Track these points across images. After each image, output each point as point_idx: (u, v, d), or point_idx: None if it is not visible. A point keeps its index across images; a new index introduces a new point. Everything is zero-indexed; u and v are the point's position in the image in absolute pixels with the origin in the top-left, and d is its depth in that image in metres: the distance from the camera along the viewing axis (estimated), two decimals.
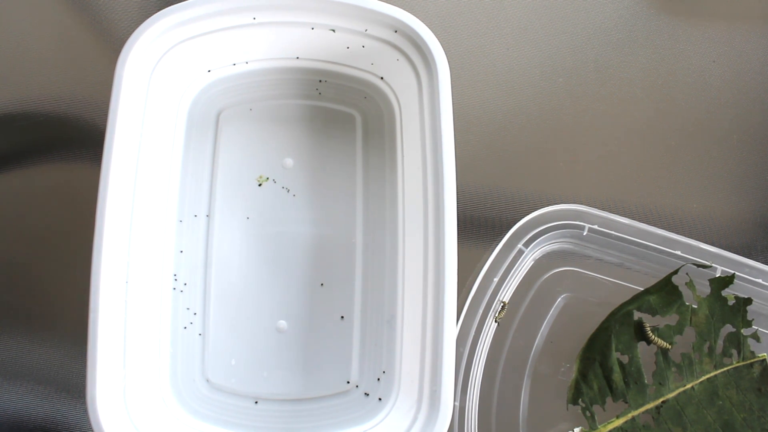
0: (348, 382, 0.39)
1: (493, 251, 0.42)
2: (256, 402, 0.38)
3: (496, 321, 0.41)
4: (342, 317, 0.39)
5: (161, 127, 0.39)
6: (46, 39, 0.47)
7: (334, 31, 0.40)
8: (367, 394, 0.38)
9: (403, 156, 0.41)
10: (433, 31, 0.38)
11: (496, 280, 0.42)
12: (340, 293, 0.40)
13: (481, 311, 0.41)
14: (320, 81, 0.43)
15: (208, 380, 0.38)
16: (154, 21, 0.37)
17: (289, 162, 0.42)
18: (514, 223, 0.42)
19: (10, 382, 0.41)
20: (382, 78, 0.42)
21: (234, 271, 0.40)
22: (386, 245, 0.40)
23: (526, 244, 0.42)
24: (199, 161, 0.41)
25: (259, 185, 0.41)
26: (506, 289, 0.42)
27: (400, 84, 0.41)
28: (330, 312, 0.40)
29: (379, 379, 0.38)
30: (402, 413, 0.36)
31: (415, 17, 0.38)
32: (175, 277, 0.39)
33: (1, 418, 0.40)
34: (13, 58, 0.46)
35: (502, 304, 0.42)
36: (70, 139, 0.45)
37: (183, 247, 0.40)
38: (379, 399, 0.37)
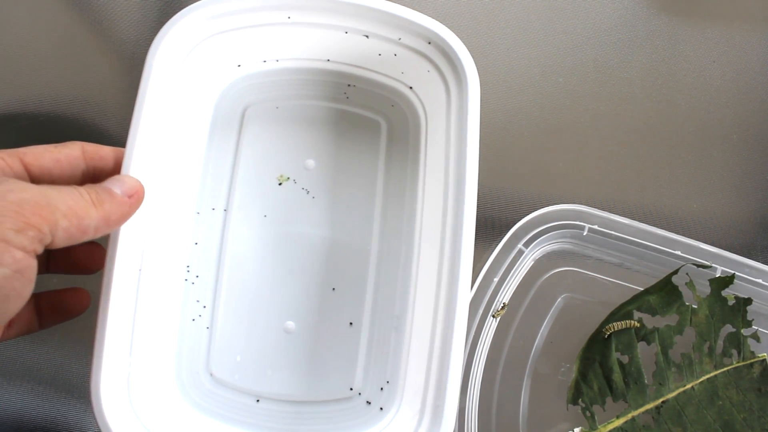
0: (351, 389, 0.38)
1: (493, 251, 0.42)
2: (258, 400, 0.38)
3: (494, 317, 0.41)
4: (351, 323, 0.39)
5: (187, 118, 0.39)
6: (46, 39, 0.47)
7: (367, 36, 0.39)
8: (369, 403, 0.38)
9: (425, 167, 0.40)
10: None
11: (496, 280, 0.42)
12: (350, 299, 0.39)
13: (481, 311, 0.41)
14: (349, 85, 0.42)
15: (211, 374, 0.38)
16: (188, 12, 0.36)
17: (311, 163, 0.41)
18: (514, 223, 0.42)
19: (10, 382, 0.41)
20: (411, 88, 0.42)
21: (247, 268, 0.40)
22: (401, 255, 0.40)
23: (526, 244, 0.42)
24: (221, 155, 0.41)
25: (279, 184, 0.41)
26: (506, 289, 0.42)
27: (428, 95, 0.40)
28: (339, 317, 0.39)
29: (382, 389, 0.38)
30: (403, 424, 0.35)
31: (450, 31, 0.38)
32: (188, 269, 0.39)
33: (1, 418, 0.40)
34: (13, 58, 0.46)
35: (502, 305, 0.42)
36: (70, 139, 0.45)
37: (198, 239, 0.39)
38: (381, 408, 0.37)
